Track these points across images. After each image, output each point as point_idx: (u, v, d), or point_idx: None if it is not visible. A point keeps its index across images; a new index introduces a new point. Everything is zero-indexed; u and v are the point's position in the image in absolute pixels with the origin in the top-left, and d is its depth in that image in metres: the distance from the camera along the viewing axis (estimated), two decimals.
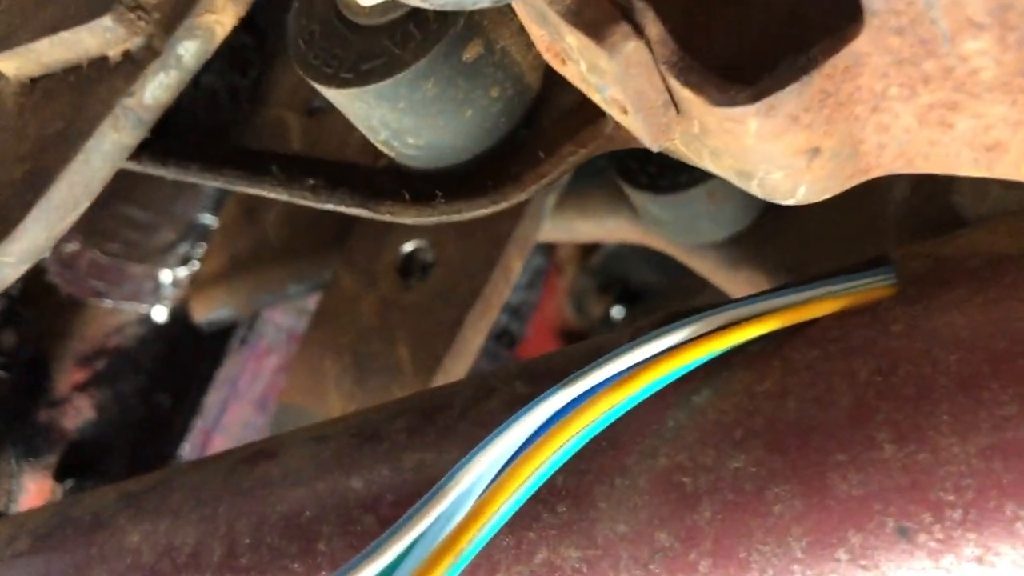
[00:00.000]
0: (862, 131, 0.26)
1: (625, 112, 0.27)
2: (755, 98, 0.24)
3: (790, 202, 0.28)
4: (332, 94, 0.35)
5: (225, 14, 0.41)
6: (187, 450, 0.76)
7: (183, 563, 0.37)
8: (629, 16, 0.25)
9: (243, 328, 0.79)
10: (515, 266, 0.57)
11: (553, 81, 0.36)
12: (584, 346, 0.36)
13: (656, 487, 0.29)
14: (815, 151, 0.26)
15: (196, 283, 0.73)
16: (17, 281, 0.51)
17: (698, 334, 0.30)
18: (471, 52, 0.34)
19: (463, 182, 0.37)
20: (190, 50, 0.41)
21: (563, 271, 1.22)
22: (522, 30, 0.34)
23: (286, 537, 0.35)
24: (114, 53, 0.41)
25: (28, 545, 0.41)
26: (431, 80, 0.33)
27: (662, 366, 0.29)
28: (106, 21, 0.40)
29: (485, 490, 0.26)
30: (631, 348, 0.29)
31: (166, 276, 0.72)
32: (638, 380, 0.29)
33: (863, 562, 0.27)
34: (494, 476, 0.26)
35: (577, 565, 0.30)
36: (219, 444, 0.78)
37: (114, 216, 0.69)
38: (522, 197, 0.36)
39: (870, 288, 0.30)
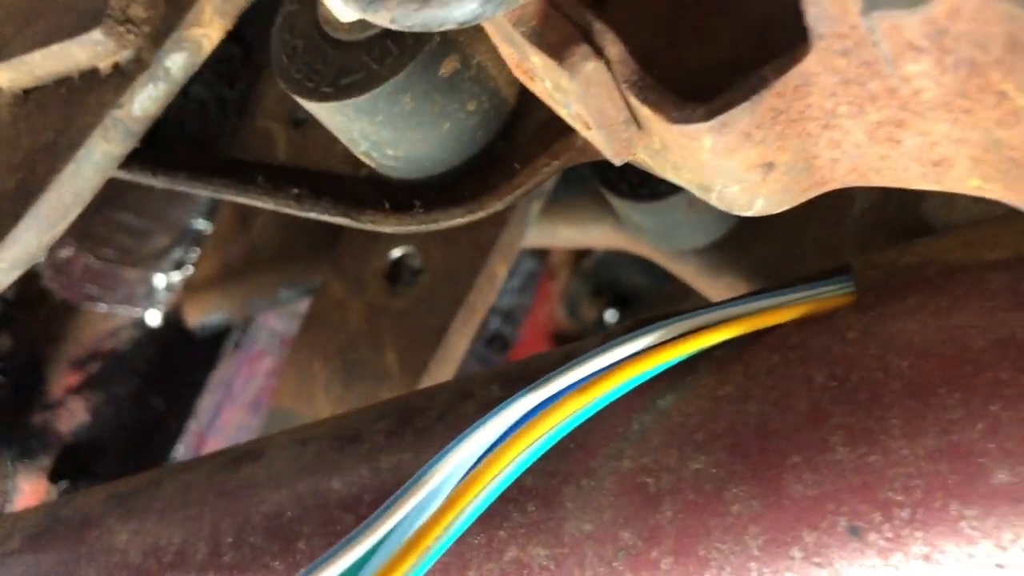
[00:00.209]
0: (815, 147, 0.27)
1: (588, 128, 0.28)
2: (709, 116, 0.25)
3: (749, 214, 0.29)
4: (313, 107, 0.36)
5: (212, 27, 0.43)
6: (181, 452, 0.77)
7: (169, 562, 0.38)
8: (589, 37, 0.26)
9: (237, 332, 0.80)
10: (500, 272, 0.58)
11: (528, 95, 0.37)
12: (560, 351, 0.37)
13: (621, 488, 0.31)
14: (769, 166, 0.27)
15: (190, 288, 0.74)
16: (12, 286, 0.52)
17: (663, 340, 0.31)
18: (447, 67, 0.35)
19: (441, 192, 0.38)
20: (178, 63, 0.42)
21: (556, 276, 1.23)
22: None
23: (268, 536, 0.36)
24: (104, 65, 0.42)
25: (19, 544, 0.42)
26: (408, 94, 0.34)
27: (627, 371, 0.30)
28: (96, 35, 0.41)
29: (453, 490, 0.27)
30: (597, 353, 0.30)
31: (160, 281, 0.73)
32: (603, 384, 0.30)
33: (817, 560, 0.28)
34: (462, 476, 0.28)
35: (545, 563, 0.31)
36: (213, 446, 0.79)
37: (108, 222, 0.70)
38: (498, 207, 0.37)
39: (829, 296, 0.31)
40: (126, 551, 0.39)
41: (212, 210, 0.74)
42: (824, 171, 0.28)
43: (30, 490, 0.68)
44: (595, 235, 0.63)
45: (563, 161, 0.37)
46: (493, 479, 0.28)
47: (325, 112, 0.36)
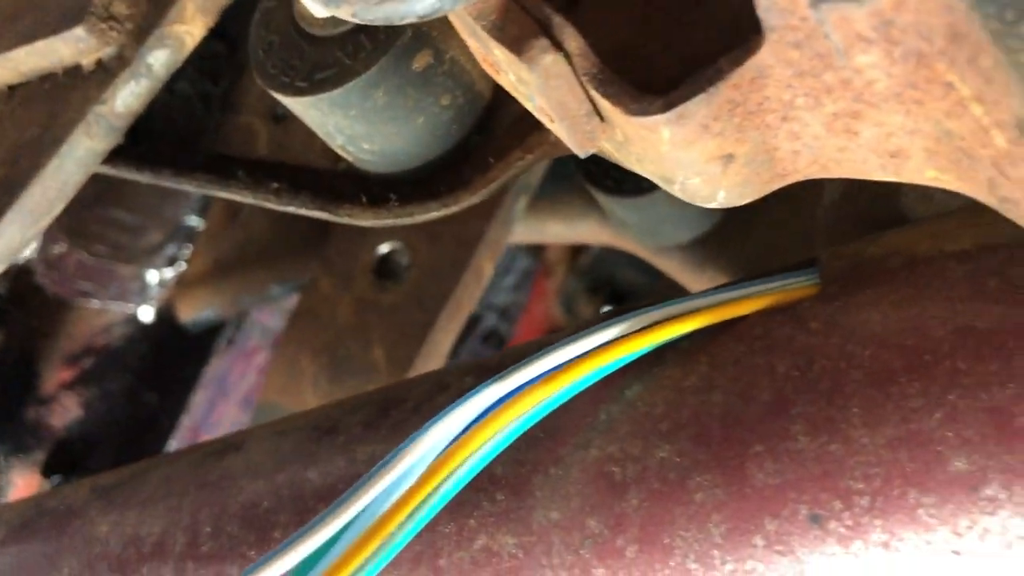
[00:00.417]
0: (775, 138, 0.28)
1: (552, 120, 0.28)
2: (666, 107, 0.26)
3: (712, 205, 0.30)
4: (289, 102, 0.36)
5: (194, 24, 0.43)
6: (174, 447, 0.77)
7: (148, 552, 0.38)
8: (549, 31, 0.26)
9: (230, 328, 0.80)
10: (486, 268, 0.59)
11: (503, 89, 0.37)
12: (536, 343, 0.37)
13: (587, 477, 0.31)
14: (729, 157, 0.28)
15: (182, 284, 0.75)
16: (4, 282, 0.52)
17: (630, 331, 0.32)
18: (420, 62, 0.35)
19: (417, 186, 0.39)
20: (160, 59, 0.43)
21: (552, 273, 1.23)
22: None
23: (245, 526, 0.36)
24: (87, 62, 0.43)
25: (4, 535, 0.43)
26: (381, 89, 0.35)
27: (593, 361, 0.31)
28: (78, 31, 0.42)
29: (419, 477, 0.28)
30: (564, 344, 0.31)
31: (153, 277, 0.74)
32: (570, 374, 0.30)
33: (778, 548, 0.28)
34: (428, 464, 0.28)
35: (513, 551, 0.31)
36: None
37: (101, 218, 0.70)
38: (473, 201, 0.37)
39: (795, 287, 0.32)
40: (107, 541, 0.39)
41: (204, 206, 0.75)
42: (785, 163, 0.29)
43: (23, 484, 0.68)
44: (581, 231, 0.64)
45: (537, 155, 0.37)
46: (459, 467, 0.28)
47: (300, 107, 0.36)
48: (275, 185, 0.41)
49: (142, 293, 0.73)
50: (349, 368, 0.59)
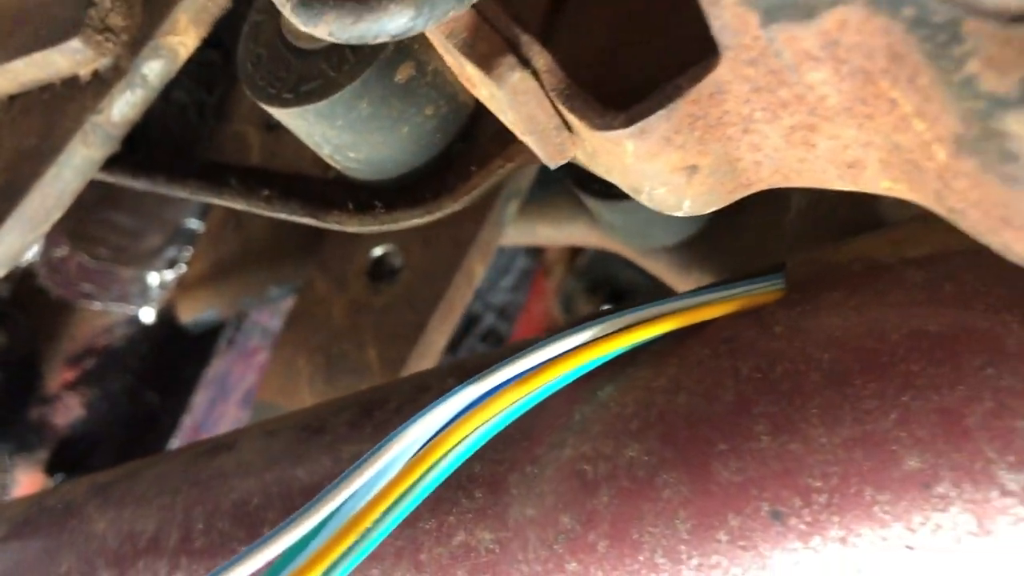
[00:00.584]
0: (736, 150, 0.29)
1: (523, 133, 0.30)
2: (629, 122, 0.27)
3: (679, 214, 0.31)
4: (277, 113, 0.37)
5: (188, 35, 0.44)
6: (176, 446, 0.79)
7: (143, 548, 0.39)
8: (517, 49, 0.27)
9: (230, 329, 0.82)
10: (477, 271, 0.60)
11: None
12: (515, 345, 0.39)
13: (561, 475, 0.32)
14: (693, 168, 0.29)
15: (182, 285, 0.76)
16: (7, 284, 0.53)
17: (603, 334, 0.33)
18: (403, 74, 0.36)
19: (403, 193, 0.40)
20: (155, 69, 0.44)
21: (551, 272, 1.24)
22: None
23: (235, 523, 0.38)
24: (84, 72, 0.44)
25: (5, 532, 0.44)
26: (365, 100, 0.36)
27: (567, 363, 0.32)
28: (75, 43, 0.43)
29: (396, 474, 0.29)
30: (540, 347, 0.32)
31: (153, 279, 0.75)
32: (543, 376, 0.31)
33: (742, 543, 0.29)
34: (405, 462, 0.29)
35: (491, 546, 0.33)
36: None
37: (103, 222, 0.72)
38: (455, 207, 0.39)
39: (762, 292, 0.33)
40: (104, 538, 0.41)
41: (204, 210, 0.76)
42: (748, 173, 0.30)
43: (27, 483, 0.70)
44: (571, 233, 0.65)
45: (518, 163, 0.38)
46: (435, 466, 0.29)
47: (287, 118, 0.37)
48: (266, 192, 0.43)
49: (143, 295, 0.75)
50: (344, 368, 0.61)
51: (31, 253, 0.69)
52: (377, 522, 0.28)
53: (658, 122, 0.27)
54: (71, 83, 0.45)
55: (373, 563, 0.34)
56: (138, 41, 0.44)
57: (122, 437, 0.75)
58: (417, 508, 0.33)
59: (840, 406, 0.29)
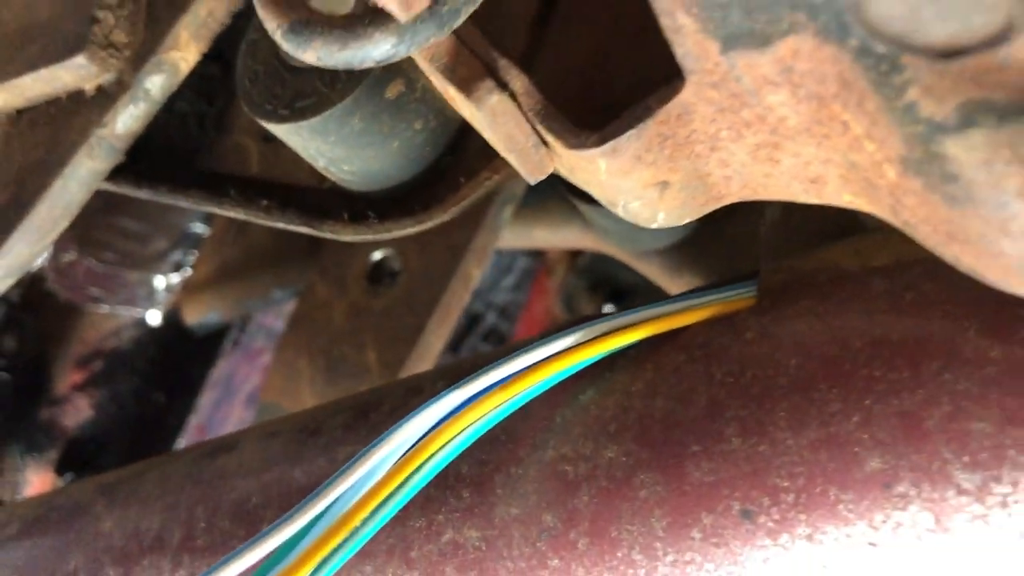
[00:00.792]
0: (706, 166, 0.30)
1: (504, 151, 0.31)
2: (601, 142, 0.28)
3: (653, 226, 0.32)
4: (273, 128, 0.39)
5: (189, 51, 0.46)
6: (182, 446, 0.81)
7: (148, 545, 0.41)
8: (495, 72, 0.29)
9: (235, 331, 0.84)
10: (474, 274, 0.61)
11: None
12: (506, 348, 0.40)
13: (544, 475, 0.34)
14: (664, 184, 0.30)
15: (188, 288, 0.78)
16: (17, 290, 0.55)
17: (583, 340, 0.34)
18: (393, 91, 0.38)
19: (395, 204, 0.41)
20: (157, 84, 0.46)
21: (553, 272, 1.26)
22: None
23: (235, 521, 0.39)
24: (89, 87, 0.46)
25: (16, 530, 0.46)
26: (357, 116, 0.37)
27: (549, 368, 0.33)
28: (80, 59, 0.44)
29: (383, 476, 0.30)
30: (523, 352, 0.33)
31: (160, 282, 0.77)
32: (525, 381, 0.33)
33: (714, 540, 0.31)
34: (392, 464, 0.31)
35: (478, 544, 0.34)
36: None
37: (110, 227, 0.73)
38: (445, 218, 0.40)
39: (735, 299, 0.34)
40: (110, 535, 0.42)
41: (209, 214, 0.78)
42: (719, 187, 0.31)
43: (38, 482, 0.72)
44: (566, 236, 0.66)
45: (504, 175, 0.40)
46: (421, 467, 0.31)
47: (283, 132, 0.39)
48: (264, 202, 0.44)
49: (150, 298, 0.76)
50: (344, 370, 0.62)
51: (40, 258, 0.70)
52: (365, 521, 0.30)
53: (629, 142, 0.28)
54: (77, 97, 0.47)
55: (366, 560, 0.36)
56: (141, 56, 0.46)
57: (130, 437, 0.77)
58: (407, 507, 0.35)
59: (806, 410, 0.30)
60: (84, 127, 0.46)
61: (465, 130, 0.41)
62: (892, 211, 0.27)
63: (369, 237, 0.41)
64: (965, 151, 0.22)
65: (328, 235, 0.42)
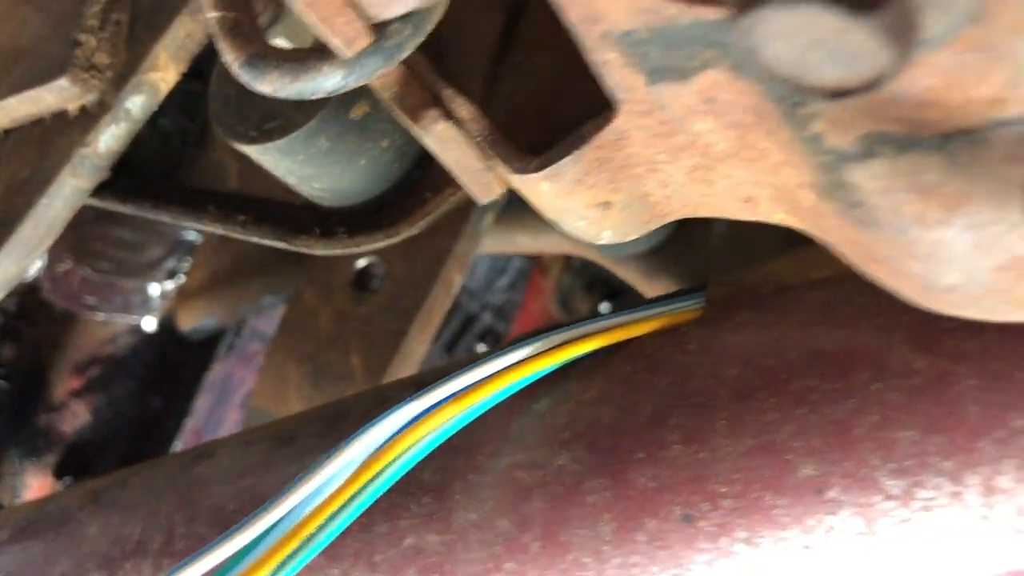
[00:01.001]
0: (646, 187, 0.32)
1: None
2: (542, 167, 0.30)
3: (600, 242, 0.34)
4: (243, 149, 0.40)
5: (168, 71, 0.47)
6: (179, 449, 0.82)
7: (130, 550, 0.43)
8: (440, 101, 0.30)
9: (230, 335, 0.85)
10: (455, 280, 0.63)
11: None
12: (469, 359, 0.42)
13: (499, 481, 0.35)
14: (606, 204, 0.32)
15: (182, 295, 0.80)
16: (13, 299, 0.56)
17: (539, 351, 0.36)
18: (358, 111, 0.39)
19: (364, 219, 0.43)
20: (138, 104, 0.47)
21: (548, 271, 1.27)
22: None
23: (212, 527, 0.41)
24: (72, 108, 0.47)
25: (8, 536, 0.48)
26: (323, 136, 0.39)
27: (505, 378, 0.35)
28: (63, 82, 0.46)
29: (340, 484, 0.32)
30: (478, 365, 0.35)
31: (154, 289, 0.78)
32: (482, 391, 0.34)
33: (658, 543, 0.32)
34: (350, 473, 0.32)
35: (438, 548, 0.36)
36: None
37: (104, 237, 0.75)
38: (412, 231, 0.42)
39: (682, 311, 0.36)
40: (95, 541, 0.44)
41: None
42: (661, 206, 0.33)
43: (37, 486, 0.74)
44: (547, 242, 0.68)
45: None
46: (379, 475, 0.32)
47: (254, 153, 0.40)
48: (241, 218, 0.46)
49: (145, 305, 0.78)
50: (330, 376, 0.64)
51: (35, 269, 0.72)
52: (324, 526, 0.31)
53: (568, 166, 0.30)
54: (61, 118, 0.48)
55: (333, 563, 0.37)
56: (122, 77, 0.47)
57: (127, 441, 0.79)
58: (372, 514, 0.37)
59: (744, 418, 0.32)
60: (68, 146, 0.47)
61: None
62: (818, 231, 0.29)
63: (339, 251, 0.42)
64: (868, 180, 0.24)
65: (302, 249, 0.44)
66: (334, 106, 0.39)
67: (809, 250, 0.35)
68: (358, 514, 0.33)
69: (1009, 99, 0.21)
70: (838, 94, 0.21)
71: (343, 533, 0.37)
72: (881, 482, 0.29)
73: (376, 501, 0.37)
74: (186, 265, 0.79)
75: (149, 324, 0.79)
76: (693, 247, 0.59)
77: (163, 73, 0.47)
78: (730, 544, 0.31)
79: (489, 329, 1.17)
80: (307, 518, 0.31)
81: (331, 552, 0.37)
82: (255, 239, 0.45)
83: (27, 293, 0.71)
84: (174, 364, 0.80)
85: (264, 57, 0.30)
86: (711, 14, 0.22)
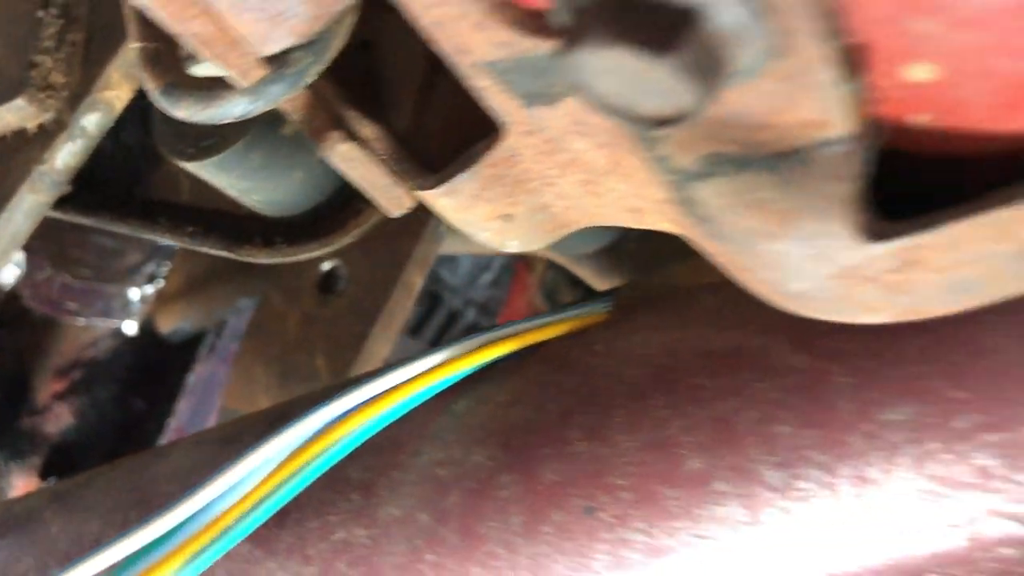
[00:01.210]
0: (544, 199, 0.33)
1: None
2: (439, 183, 0.32)
3: (508, 251, 0.36)
4: (183, 165, 0.42)
5: (122, 89, 0.50)
6: None
7: (88, 547, 0.45)
8: (343, 123, 0.32)
9: (211, 336, 0.87)
10: (416, 282, 0.65)
11: None
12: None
13: (421, 478, 0.37)
14: (507, 216, 0.34)
15: (161, 299, 0.82)
16: None
17: (457, 355, 0.38)
18: (289, 128, 0.41)
19: (303, 229, 0.45)
20: (93, 121, 0.49)
21: (533, 267, 1.29)
22: None
23: None
24: (30, 126, 0.50)
25: None
26: (255, 153, 0.41)
27: (421, 382, 0.37)
28: (20, 102, 0.48)
29: (258, 482, 0.34)
30: (397, 368, 0.37)
31: (134, 294, 0.81)
32: (396, 395, 0.36)
33: (563, 535, 0.34)
34: (268, 471, 0.34)
35: (365, 541, 0.38)
36: None
37: (83, 245, 0.77)
38: (346, 241, 0.44)
39: (592, 315, 0.37)
40: (57, 539, 0.46)
41: None
42: (562, 215, 0.34)
43: (23, 486, 0.76)
44: None
45: None
46: (296, 474, 0.35)
47: (193, 169, 0.42)
48: (191, 228, 0.48)
49: (125, 309, 0.80)
50: (296, 377, 0.66)
51: (14, 277, 0.75)
52: (237, 522, 0.33)
53: (464, 183, 0.32)
54: (20, 135, 0.50)
55: (271, 557, 0.40)
56: (77, 96, 0.49)
57: (111, 441, 0.81)
58: (305, 510, 0.39)
59: (639, 415, 0.33)
60: (26, 163, 0.49)
61: None
62: (694, 241, 0.30)
63: (280, 260, 0.44)
64: (712, 197, 0.25)
65: (246, 258, 0.46)
66: (265, 124, 0.41)
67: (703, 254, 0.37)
68: (273, 511, 0.35)
69: (826, 122, 0.23)
70: (663, 123, 0.23)
71: (280, 528, 0.39)
72: (763, 474, 0.31)
73: (310, 498, 0.39)
74: (165, 269, 0.81)
75: (130, 328, 0.81)
76: (642, 247, 0.61)
77: (117, 91, 0.50)
78: (628, 534, 0.33)
79: (473, 325, 1.18)
80: (221, 515, 0.33)
81: (269, 546, 0.39)
82: (204, 249, 0.47)
83: (7, 301, 0.73)
84: (155, 366, 0.82)
85: (179, 86, 0.32)
86: (547, 50, 0.24)
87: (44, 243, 0.70)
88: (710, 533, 0.32)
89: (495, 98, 0.28)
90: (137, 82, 0.50)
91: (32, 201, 0.49)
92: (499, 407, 0.37)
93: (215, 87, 0.31)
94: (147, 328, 0.82)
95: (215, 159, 0.41)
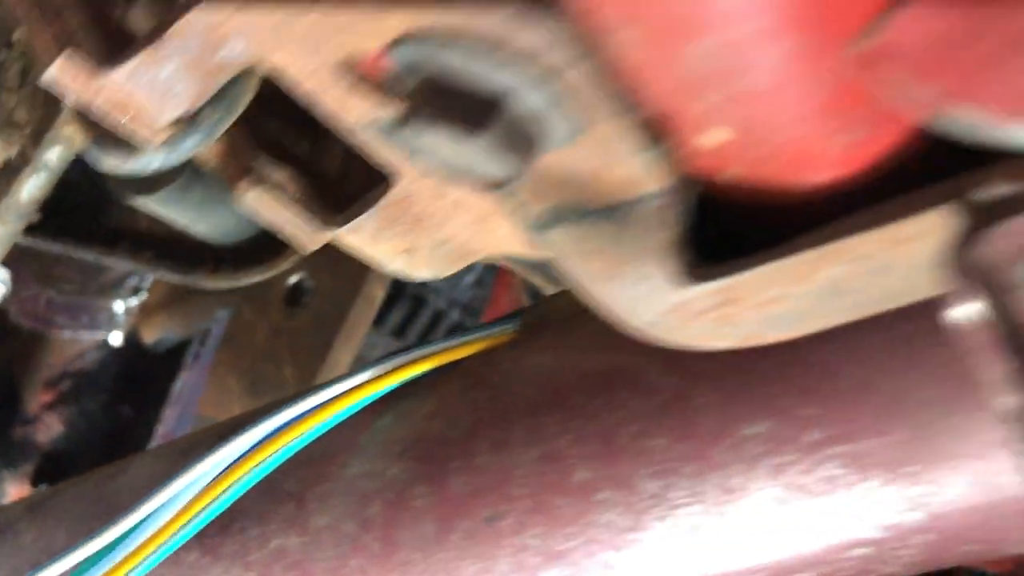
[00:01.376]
0: (445, 233, 0.36)
1: None
2: (343, 223, 0.35)
3: (421, 280, 0.39)
4: (128, 201, 0.46)
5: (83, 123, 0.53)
6: None
7: (56, 555, 0.48)
8: (253, 171, 0.35)
9: (195, 345, 0.91)
10: (377, 294, 0.68)
11: None
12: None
13: (347, 490, 0.40)
14: (411, 250, 0.37)
15: (144, 310, 0.85)
16: None
17: (381, 373, 0.41)
18: None
19: (248, 255, 0.48)
20: (55, 155, 0.53)
21: None
22: None
23: None
24: None
25: None
26: (195, 188, 0.44)
27: (347, 399, 0.40)
28: None
29: (193, 497, 0.37)
30: (325, 387, 0.40)
31: (119, 307, 0.84)
32: (327, 411, 0.40)
33: (470, 542, 0.37)
34: (202, 487, 0.38)
35: (298, 549, 0.41)
36: None
37: (68, 262, 0.81)
38: (286, 266, 0.47)
39: (502, 334, 0.40)
40: (28, 549, 0.50)
41: None
42: (467, 246, 0.37)
43: (15, 493, 0.80)
44: None
45: None
46: (226, 489, 0.38)
47: (139, 203, 0.46)
48: (148, 254, 0.51)
49: (111, 321, 0.84)
50: (266, 386, 0.69)
51: (1, 294, 0.78)
52: (176, 532, 0.37)
53: (364, 223, 0.35)
54: None
55: (215, 563, 0.43)
56: (39, 132, 0.53)
57: (101, 448, 0.85)
58: (246, 519, 0.42)
59: (535, 430, 0.37)
60: None
61: None
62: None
63: (225, 285, 0.48)
64: (562, 242, 0.28)
65: (196, 283, 0.49)
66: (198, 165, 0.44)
67: None
68: (210, 519, 0.38)
69: (640, 180, 0.25)
70: (499, 185, 0.26)
71: (225, 535, 0.43)
72: (642, 484, 0.34)
73: (251, 508, 0.42)
74: (148, 282, 0.85)
75: (116, 339, 0.85)
76: None
77: (77, 126, 0.53)
78: (527, 540, 0.36)
79: (457, 325, 1.21)
80: (163, 527, 0.36)
81: (216, 552, 0.43)
82: (159, 274, 0.51)
83: None
84: (141, 375, 0.86)
85: (106, 139, 0.35)
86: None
87: (28, 263, 0.74)
88: (600, 539, 0.35)
89: (379, 152, 0.31)
90: None
91: (0, 232, 0.53)
92: (419, 421, 0.40)
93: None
94: (132, 339, 0.86)
95: (158, 195, 0.44)
